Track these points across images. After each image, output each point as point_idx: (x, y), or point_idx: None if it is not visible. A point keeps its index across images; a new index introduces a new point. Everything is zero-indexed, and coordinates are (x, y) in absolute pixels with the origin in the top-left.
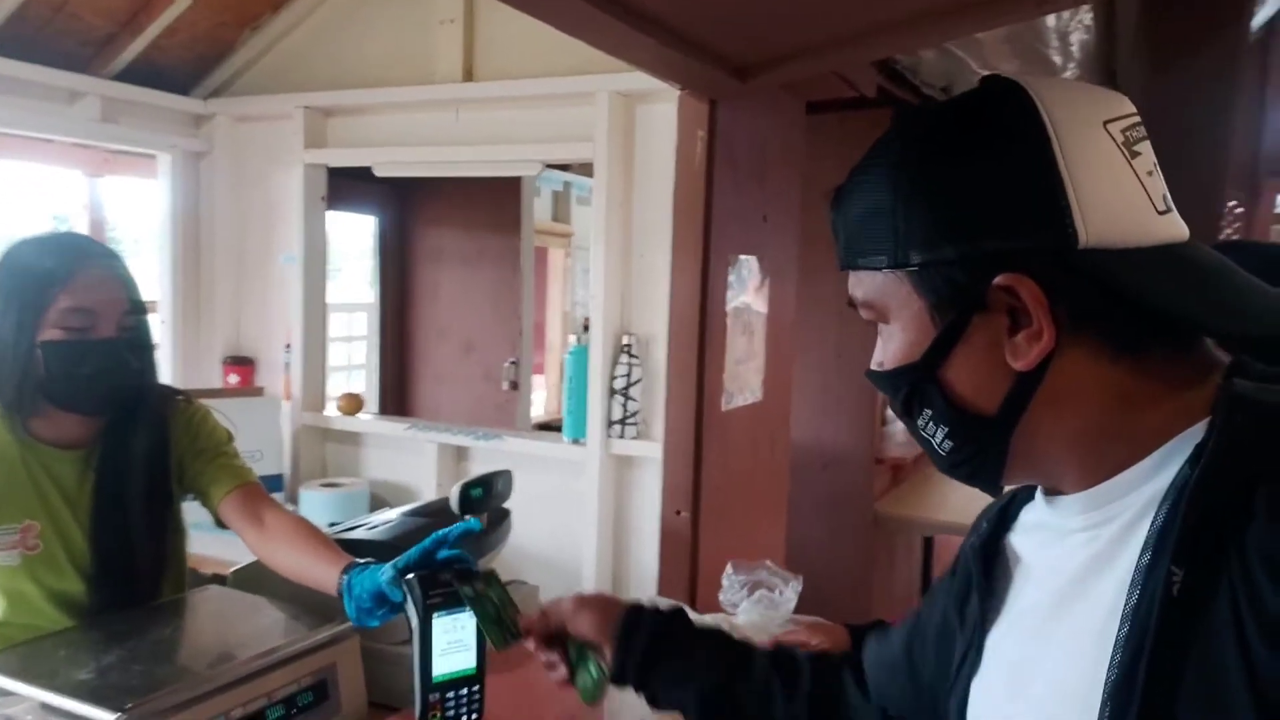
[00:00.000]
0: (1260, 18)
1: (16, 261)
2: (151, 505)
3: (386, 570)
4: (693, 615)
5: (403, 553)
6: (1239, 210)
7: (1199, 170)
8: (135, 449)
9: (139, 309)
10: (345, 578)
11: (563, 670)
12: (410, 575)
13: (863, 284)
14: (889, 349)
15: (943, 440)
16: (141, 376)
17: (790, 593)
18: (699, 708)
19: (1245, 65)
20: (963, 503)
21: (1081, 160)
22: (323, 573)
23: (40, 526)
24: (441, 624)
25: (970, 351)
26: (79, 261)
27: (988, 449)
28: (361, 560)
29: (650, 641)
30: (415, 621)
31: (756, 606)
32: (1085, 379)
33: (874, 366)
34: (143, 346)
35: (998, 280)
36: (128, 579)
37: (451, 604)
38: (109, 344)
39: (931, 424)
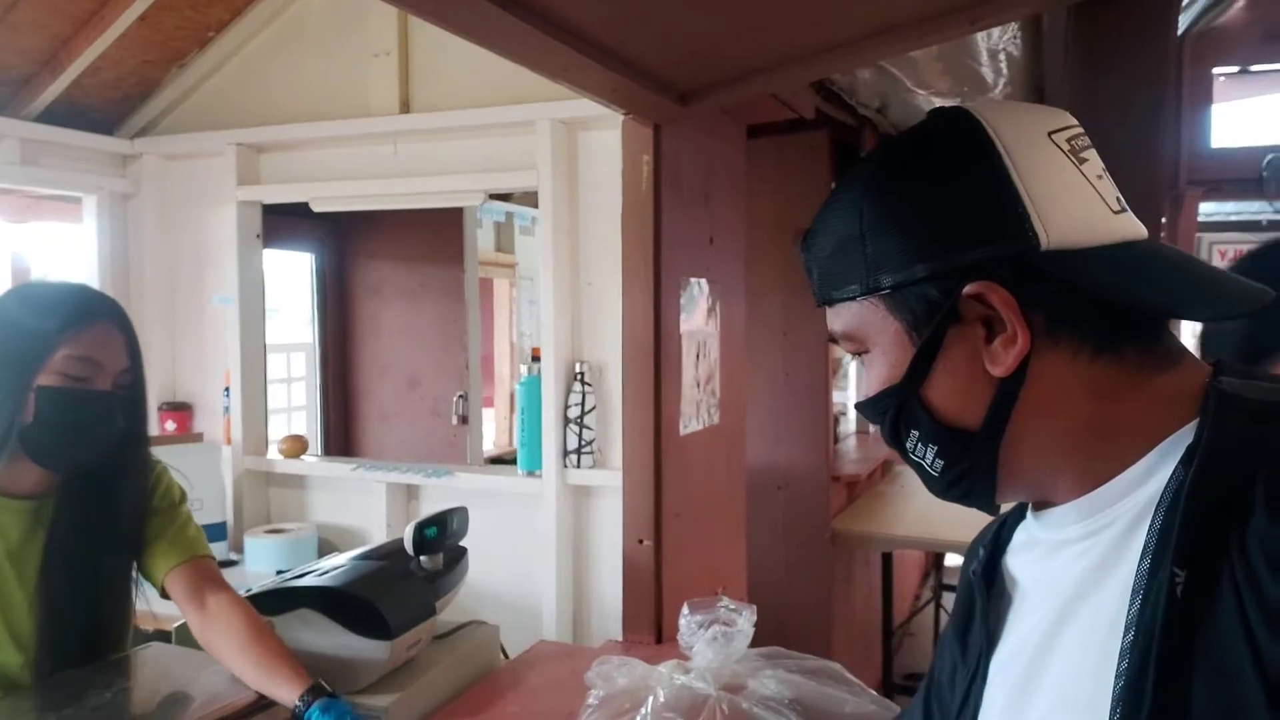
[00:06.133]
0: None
1: (27, 301)
2: (117, 567)
3: None
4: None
5: (352, 595)
6: (1163, 220)
7: (1133, 182)
8: (100, 509)
9: (137, 369)
10: (307, 717)
11: None
12: None
13: (840, 316)
14: (872, 375)
15: (933, 460)
16: (124, 436)
17: (745, 624)
18: None
19: (1172, 76)
20: (919, 517)
21: (1032, 169)
22: (274, 689)
23: None
24: None
25: (950, 365)
26: (90, 312)
27: (978, 463)
28: (323, 684)
29: None
30: None
31: (711, 646)
32: (1064, 379)
33: (860, 398)
34: (134, 407)
35: (968, 289)
36: (78, 645)
37: None
38: (104, 397)
39: (920, 445)
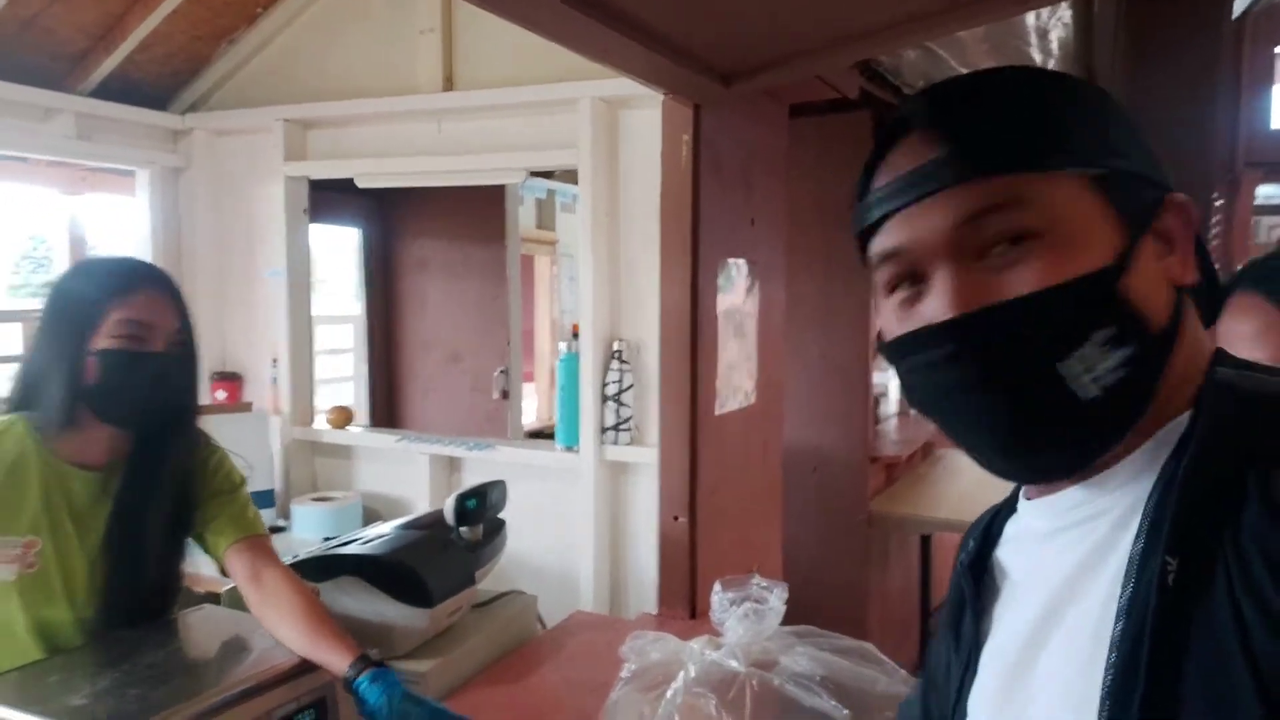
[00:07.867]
0: (1236, 8)
1: (78, 274)
2: (173, 536)
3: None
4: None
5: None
6: (1219, 203)
7: (1184, 165)
8: (161, 477)
9: (189, 332)
10: (357, 685)
11: None
12: None
13: (1013, 187)
14: (1039, 263)
15: (1116, 365)
16: (184, 396)
17: (776, 602)
18: None
19: (1227, 59)
20: (960, 500)
21: None
22: (325, 658)
23: (42, 544)
24: None
25: (1143, 265)
26: (138, 279)
27: (1154, 373)
28: (370, 654)
29: None
30: None
31: (742, 623)
32: (1189, 315)
33: (1010, 296)
34: (188, 369)
35: (1178, 198)
36: (133, 608)
37: None
38: (161, 357)
39: (1109, 346)
